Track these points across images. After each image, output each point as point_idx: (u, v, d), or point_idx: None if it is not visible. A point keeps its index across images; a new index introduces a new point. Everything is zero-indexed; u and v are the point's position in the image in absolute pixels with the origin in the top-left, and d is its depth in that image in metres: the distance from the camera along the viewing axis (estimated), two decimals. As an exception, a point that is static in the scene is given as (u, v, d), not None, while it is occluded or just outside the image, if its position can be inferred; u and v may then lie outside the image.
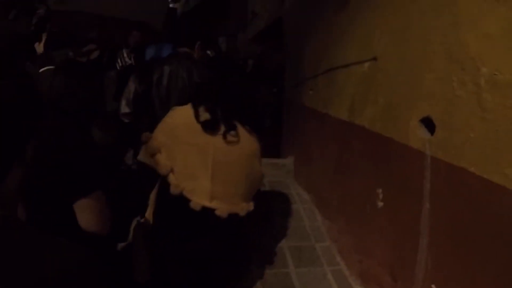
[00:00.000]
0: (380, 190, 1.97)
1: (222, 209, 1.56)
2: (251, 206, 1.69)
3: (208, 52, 2.52)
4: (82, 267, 0.60)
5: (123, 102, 2.31)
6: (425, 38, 1.61)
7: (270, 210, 2.82)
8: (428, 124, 1.62)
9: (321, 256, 2.32)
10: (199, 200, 1.56)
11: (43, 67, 2.04)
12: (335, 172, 2.57)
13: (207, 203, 1.56)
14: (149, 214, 1.69)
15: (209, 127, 1.62)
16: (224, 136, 1.62)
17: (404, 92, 1.78)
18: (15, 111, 0.62)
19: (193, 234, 1.62)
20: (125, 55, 4.19)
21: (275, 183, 3.25)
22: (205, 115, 1.65)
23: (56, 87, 1.54)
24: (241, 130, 1.68)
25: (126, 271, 1.56)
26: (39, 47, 2.86)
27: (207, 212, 1.56)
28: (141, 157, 1.64)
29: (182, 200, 1.55)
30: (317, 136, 2.94)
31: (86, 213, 1.21)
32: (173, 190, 1.56)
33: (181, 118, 1.67)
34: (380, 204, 1.96)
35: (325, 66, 2.73)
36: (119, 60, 4.17)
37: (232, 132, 1.64)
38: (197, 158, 1.60)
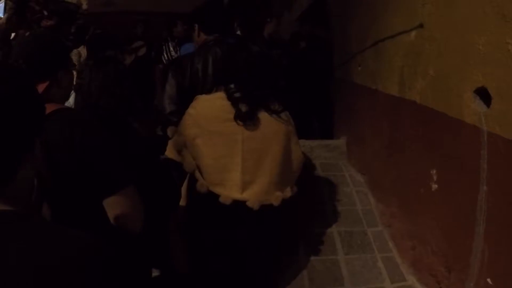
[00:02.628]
0: (434, 171, 1.80)
1: (253, 200, 1.51)
2: (287, 193, 1.61)
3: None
4: (83, 255, 0.60)
5: (167, 101, 2.19)
6: (473, -3, 1.41)
7: (321, 193, 2.73)
8: (484, 95, 1.43)
9: (372, 242, 2.19)
10: (229, 193, 1.52)
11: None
12: (387, 152, 2.40)
13: (238, 195, 1.52)
14: (182, 205, 1.69)
15: (244, 114, 1.55)
16: (245, 121, 1.55)
17: (454, 61, 1.58)
18: (18, 110, 0.63)
19: (229, 224, 1.59)
20: (171, 48, 4.19)
21: (327, 165, 3.13)
22: (224, 102, 1.59)
23: (92, 86, 1.58)
24: (264, 114, 1.59)
25: (168, 262, 1.59)
26: (84, 51, 3.00)
27: (239, 203, 1.52)
28: (168, 153, 1.62)
29: (213, 196, 1.53)
30: (368, 114, 2.77)
31: (116, 210, 1.18)
32: (199, 188, 1.54)
33: (205, 107, 1.63)
34: (435, 186, 1.79)
35: (372, 40, 2.54)
36: (165, 54, 4.18)
37: (254, 117, 1.57)
38: (226, 148, 1.56)
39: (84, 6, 5.12)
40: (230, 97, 1.60)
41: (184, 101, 2.18)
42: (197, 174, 1.58)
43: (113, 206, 1.18)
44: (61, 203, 1.18)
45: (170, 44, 4.20)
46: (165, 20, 4.49)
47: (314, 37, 4.13)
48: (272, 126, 1.60)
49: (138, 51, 3.35)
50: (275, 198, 1.57)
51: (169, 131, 1.68)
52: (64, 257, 0.58)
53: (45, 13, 3.32)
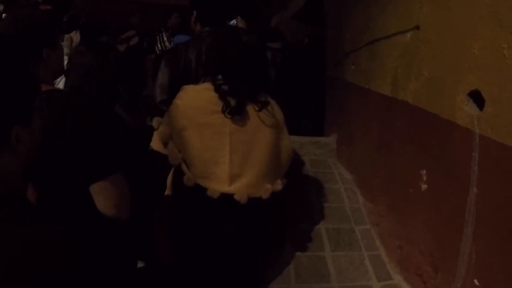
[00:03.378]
0: (424, 172, 1.81)
1: (241, 193, 1.50)
2: (277, 185, 1.60)
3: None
4: (73, 253, 0.59)
5: (158, 90, 2.15)
6: (469, 1, 1.41)
7: (310, 190, 2.73)
8: (477, 98, 1.44)
9: (360, 239, 2.21)
10: (216, 186, 1.50)
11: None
12: (377, 151, 2.42)
13: (226, 188, 1.50)
14: (166, 197, 1.67)
15: (232, 108, 1.54)
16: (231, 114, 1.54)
17: (449, 63, 1.59)
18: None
19: (216, 217, 1.58)
20: (165, 38, 4.12)
21: (316, 162, 3.14)
22: (211, 94, 1.57)
23: (80, 71, 1.55)
24: (252, 107, 1.58)
25: (152, 254, 1.57)
26: (76, 37, 2.96)
27: (227, 196, 1.50)
28: (154, 144, 1.59)
29: (199, 188, 1.51)
30: (359, 113, 2.78)
31: (102, 197, 1.15)
32: (186, 182, 1.51)
33: (193, 99, 1.60)
34: (424, 186, 1.81)
35: (367, 39, 2.54)
36: (158, 44, 4.11)
37: (242, 109, 1.55)
38: (213, 140, 1.53)
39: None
40: (217, 89, 1.57)
41: (175, 90, 2.16)
42: (184, 167, 1.55)
43: (99, 192, 1.16)
44: (46, 187, 1.15)
45: (164, 34, 4.15)
46: (161, 11, 4.44)
47: (316, 34, 4.13)
48: (260, 118, 1.58)
49: (130, 40, 3.29)
50: (264, 191, 1.55)
51: (155, 122, 1.64)
52: (51, 255, 0.57)
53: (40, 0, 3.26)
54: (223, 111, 1.54)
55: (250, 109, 1.58)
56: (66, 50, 2.88)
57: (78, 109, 1.19)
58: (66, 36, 3.05)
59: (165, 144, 1.59)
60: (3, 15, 3.23)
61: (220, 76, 1.59)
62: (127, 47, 3.15)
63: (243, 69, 1.59)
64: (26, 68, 0.69)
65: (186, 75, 2.16)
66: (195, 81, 2.09)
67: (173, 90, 2.15)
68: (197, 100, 1.59)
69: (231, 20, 2.88)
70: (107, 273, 0.67)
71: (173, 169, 1.69)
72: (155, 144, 1.61)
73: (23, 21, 1.27)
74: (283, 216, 2.19)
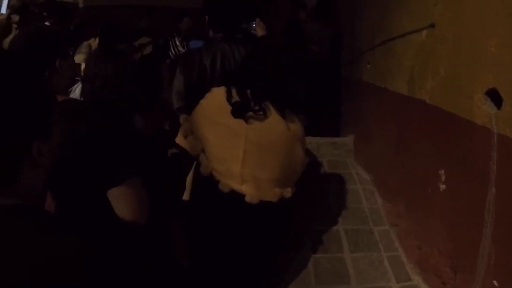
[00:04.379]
0: (442, 172, 1.79)
1: (252, 195, 1.52)
2: (287, 192, 1.62)
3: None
4: (77, 260, 0.60)
5: (175, 97, 2.17)
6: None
7: (328, 191, 2.73)
8: (495, 97, 1.42)
9: (379, 240, 2.20)
10: (229, 181, 1.53)
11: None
12: (395, 151, 2.39)
13: (237, 186, 1.53)
14: (186, 196, 1.72)
15: (237, 110, 1.58)
16: (251, 116, 1.57)
17: (466, 61, 1.57)
18: (17, 114, 0.63)
19: (230, 217, 1.61)
20: (177, 43, 4.14)
21: (334, 163, 3.13)
22: (236, 97, 1.61)
23: (97, 78, 1.60)
24: (275, 113, 1.61)
25: (170, 256, 1.60)
26: (94, 43, 3.03)
27: (239, 196, 1.53)
28: (178, 139, 1.65)
29: (214, 182, 1.54)
30: (376, 112, 2.76)
31: (120, 202, 1.17)
32: (203, 170, 1.55)
33: (215, 99, 1.66)
34: (442, 187, 1.79)
35: (382, 38, 2.52)
36: (172, 49, 4.12)
37: (261, 115, 1.58)
38: (229, 140, 1.57)
39: (81, 5, 5.16)
40: (241, 97, 1.63)
41: (192, 96, 2.19)
42: (202, 157, 1.60)
43: (117, 198, 1.18)
44: (65, 196, 1.20)
45: (176, 39, 4.16)
46: (171, 15, 4.46)
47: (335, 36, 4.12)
48: (280, 125, 1.61)
49: (143, 49, 3.31)
50: (273, 195, 1.58)
51: (181, 119, 1.70)
52: (60, 259, 0.58)
53: (45, 14, 3.39)
54: (239, 114, 1.58)
55: (273, 116, 1.61)
56: (84, 57, 2.97)
57: (91, 119, 1.23)
58: (85, 43, 3.13)
59: (185, 138, 1.65)
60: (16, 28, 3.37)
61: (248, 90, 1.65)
62: (141, 56, 3.18)
63: (275, 81, 1.65)
64: (42, 84, 0.72)
65: (201, 81, 2.19)
66: (211, 86, 2.14)
67: (189, 96, 2.19)
68: (217, 100, 1.63)
69: (248, 23, 2.89)
70: (122, 278, 0.69)
71: (193, 168, 1.74)
72: (178, 138, 1.67)
73: (33, 36, 1.34)
74: (298, 218, 2.20)
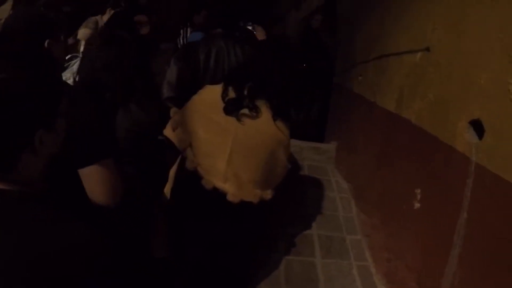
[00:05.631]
0: (418, 191, 1.86)
1: (234, 194, 1.55)
2: (267, 194, 1.65)
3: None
4: (82, 245, 0.63)
5: (165, 86, 2.20)
6: (482, 32, 1.45)
7: (306, 195, 2.78)
8: (478, 127, 1.48)
9: (350, 249, 2.27)
10: (212, 179, 1.56)
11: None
12: (376, 164, 2.46)
13: (220, 184, 1.56)
14: (167, 189, 1.73)
15: (230, 107, 1.60)
16: (244, 113, 1.59)
17: (455, 89, 1.63)
18: (27, 104, 0.64)
19: (209, 214, 1.63)
20: (188, 35, 3.98)
21: (314, 168, 3.19)
22: (232, 95, 1.63)
23: (98, 63, 1.59)
24: (267, 116, 1.64)
25: (145, 246, 1.61)
26: (101, 20, 3.01)
27: (221, 193, 1.56)
28: (165, 131, 1.66)
29: (198, 177, 1.56)
30: (362, 124, 2.82)
31: (91, 182, 1.14)
32: (188, 164, 1.57)
33: (209, 95, 1.67)
34: (417, 205, 1.86)
35: (377, 53, 2.58)
36: (180, 39, 4.01)
37: (253, 114, 1.60)
38: (218, 137, 1.60)
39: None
40: (237, 94, 1.64)
41: (182, 89, 2.20)
42: (189, 151, 1.61)
43: (88, 177, 1.15)
44: (54, 179, 1.19)
45: (188, 29, 4.04)
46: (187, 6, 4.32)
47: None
48: (268, 129, 1.64)
49: (141, 28, 3.22)
50: (254, 196, 1.61)
51: (172, 111, 1.71)
52: (63, 246, 0.60)
53: None
54: (224, 109, 1.61)
55: (263, 116, 1.63)
56: (90, 33, 2.94)
57: (74, 95, 1.21)
58: (93, 18, 3.09)
59: (174, 130, 1.65)
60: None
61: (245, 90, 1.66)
62: (139, 36, 3.11)
63: (280, 85, 1.68)
64: (53, 74, 0.72)
65: (193, 75, 2.20)
66: (203, 81, 2.15)
67: (180, 89, 2.20)
68: (211, 97, 1.65)
69: (246, 23, 2.91)
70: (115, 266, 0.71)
71: (177, 161, 1.75)
72: (166, 130, 1.68)
73: (22, 18, 1.39)
74: (274, 220, 2.25)
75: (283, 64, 1.79)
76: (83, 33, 2.92)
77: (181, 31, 4.09)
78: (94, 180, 1.15)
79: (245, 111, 1.63)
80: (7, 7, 3.07)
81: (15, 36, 1.32)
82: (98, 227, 0.69)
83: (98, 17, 3.14)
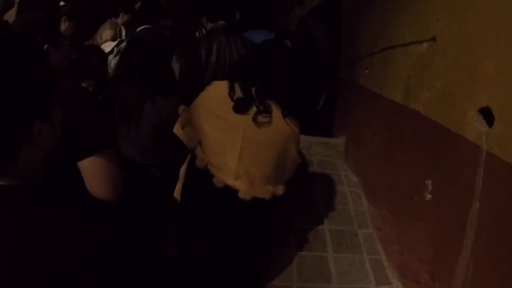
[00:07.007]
0: (429, 182, 1.84)
1: (246, 191, 1.54)
2: (279, 190, 1.65)
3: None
4: (87, 239, 0.62)
5: None
6: (487, 20, 1.43)
7: (316, 190, 2.78)
8: (487, 115, 1.47)
9: (362, 243, 2.26)
10: (223, 176, 1.55)
11: None
12: (385, 156, 2.45)
13: (231, 181, 1.55)
14: (178, 188, 1.73)
15: (240, 106, 1.60)
16: (256, 116, 1.59)
17: (463, 78, 1.61)
18: (18, 95, 0.64)
19: (220, 211, 1.63)
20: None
21: (323, 163, 3.18)
22: (239, 93, 1.63)
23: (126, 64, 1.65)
24: (276, 112, 1.63)
25: (157, 245, 1.62)
26: (122, 20, 3.14)
27: (232, 191, 1.56)
28: (175, 129, 1.66)
29: (208, 175, 1.56)
30: (369, 117, 2.80)
31: (90, 175, 1.11)
32: (199, 163, 1.57)
33: (216, 92, 1.66)
34: (428, 196, 1.84)
35: (383, 45, 2.56)
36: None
37: (264, 114, 1.60)
38: (227, 134, 1.59)
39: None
40: (245, 93, 1.64)
41: (184, 84, 2.23)
42: (198, 150, 1.60)
43: (87, 170, 1.12)
44: (51, 172, 1.19)
45: (203, 31, 4.04)
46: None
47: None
48: (278, 125, 1.63)
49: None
50: (266, 192, 1.60)
51: (180, 109, 1.72)
52: (68, 241, 0.60)
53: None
54: (240, 109, 1.61)
55: (274, 114, 1.63)
56: (110, 33, 3.04)
57: (73, 91, 1.23)
58: (113, 20, 3.20)
59: (183, 128, 1.65)
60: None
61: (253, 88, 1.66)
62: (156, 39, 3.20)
63: (283, 80, 1.68)
64: (43, 64, 0.73)
65: (195, 71, 2.23)
66: (204, 77, 2.18)
67: (183, 85, 2.23)
68: (218, 94, 1.65)
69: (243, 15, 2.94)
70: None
71: (187, 160, 1.76)
72: (176, 128, 1.68)
73: (23, 23, 1.42)
74: (285, 215, 2.24)
75: (289, 60, 1.78)
76: (108, 34, 3.08)
77: (197, 33, 4.10)
78: (93, 173, 1.12)
79: (255, 109, 1.62)
80: (12, 12, 3.12)
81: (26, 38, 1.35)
82: (102, 220, 0.69)
83: (119, 18, 3.28)
